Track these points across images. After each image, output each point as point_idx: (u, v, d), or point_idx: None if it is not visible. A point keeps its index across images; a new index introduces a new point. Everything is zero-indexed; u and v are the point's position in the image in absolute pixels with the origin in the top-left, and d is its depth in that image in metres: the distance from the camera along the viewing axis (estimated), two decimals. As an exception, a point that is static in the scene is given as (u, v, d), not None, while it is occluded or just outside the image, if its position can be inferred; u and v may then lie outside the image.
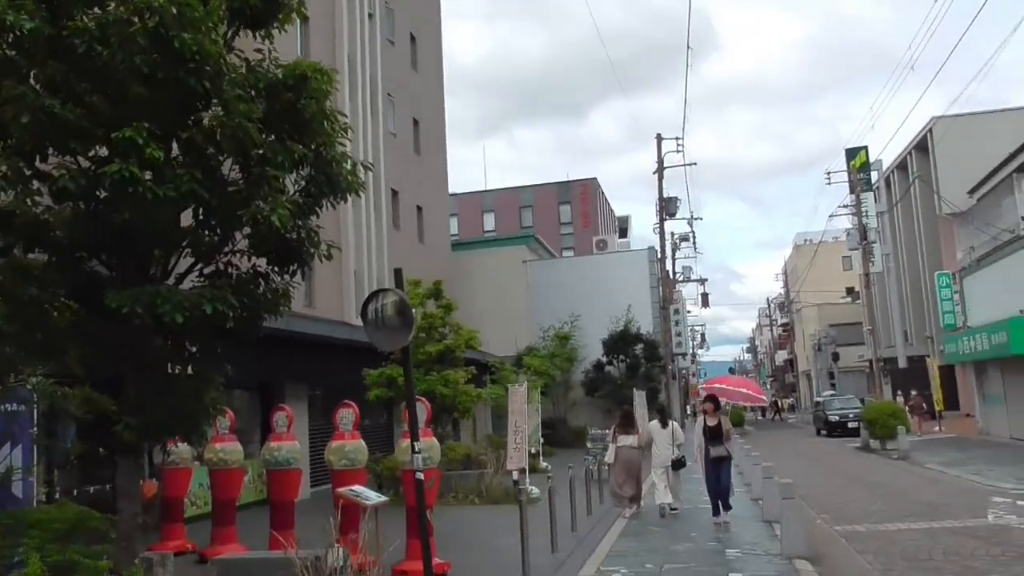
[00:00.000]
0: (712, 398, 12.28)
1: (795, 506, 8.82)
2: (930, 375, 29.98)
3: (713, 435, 11.21)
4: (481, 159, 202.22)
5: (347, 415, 9.10)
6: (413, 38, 29.20)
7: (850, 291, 67.24)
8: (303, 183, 6.96)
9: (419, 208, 27.71)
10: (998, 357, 22.36)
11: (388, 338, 5.80)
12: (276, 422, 9.66)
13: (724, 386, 10.32)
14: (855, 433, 29.53)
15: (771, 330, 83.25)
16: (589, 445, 18.31)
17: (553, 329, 31.25)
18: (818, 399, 37.63)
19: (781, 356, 79.99)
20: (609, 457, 12.67)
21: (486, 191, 62.24)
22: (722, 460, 11.09)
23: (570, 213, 61.00)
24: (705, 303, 38.79)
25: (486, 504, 14.56)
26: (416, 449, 5.73)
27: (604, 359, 31.11)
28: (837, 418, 31.50)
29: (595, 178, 63.12)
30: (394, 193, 25.46)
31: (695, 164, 65.18)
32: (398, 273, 5.95)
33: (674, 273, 40.63)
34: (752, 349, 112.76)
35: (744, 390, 9.83)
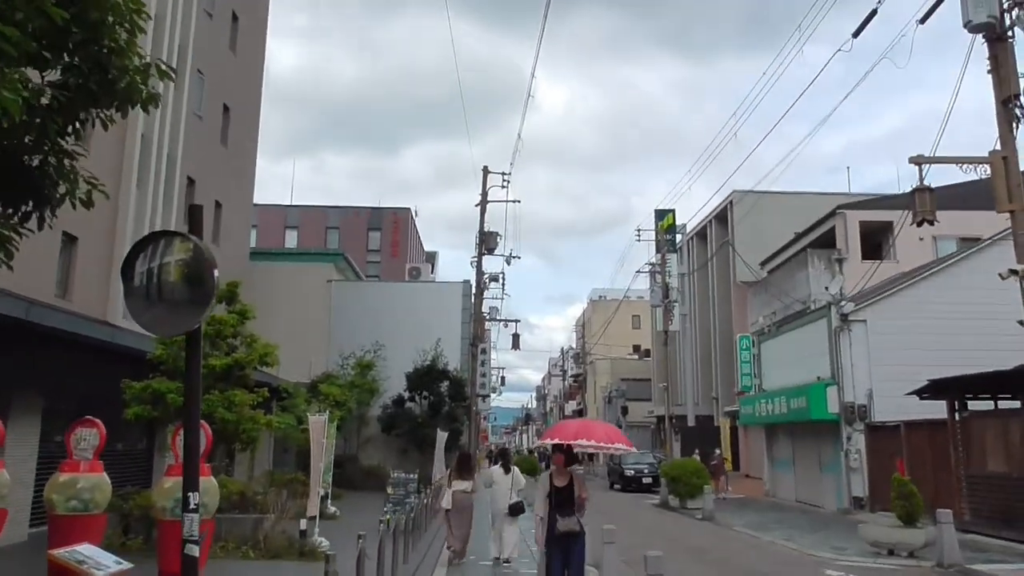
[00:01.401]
0: (563, 448, 8.15)
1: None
2: (720, 435, 30.81)
3: (562, 501, 7.81)
4: (284, 178, 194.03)
5: (86, 436, 6.44)
6: (235, 17, 26.03)
7: (636, 348, 70.32)
8: (60, 71, 4.49)
9: (218, 204, 24.32)
10: (796, 420, 23.02)
11: (167, 317, 3.51)
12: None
13: (594, 441, 7.11)
14: (648, 489, 29.55)
15: (563, 380, 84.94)
16: (390, 491, 16.07)
17: (354, 357, 28.65)
18: (613, 454, 37.75)
19: (571, 406, 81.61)
20: (446, 503, 12.22)
21: (291, 206, 58.46)
22: (573, 537, 7.73)
23: (379, 241, 58.63)
24: (516, 344, 37.92)
25: (263, 559, 11.84)
26: (191, 503, 3.42)
27: (406, 394, 28.94)
28: (632, 472, 31.45)
29: (409, 208, 61.34)
30: (190, 182, 22.03)
31: (519, 201, 64.76)
32: (195, 210, 3.69)
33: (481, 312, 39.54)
34: (541, 397, 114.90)
35: (617, 445, 7.02)
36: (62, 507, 6.10)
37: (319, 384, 24.43)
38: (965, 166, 12.86)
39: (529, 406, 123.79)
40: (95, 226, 16.58)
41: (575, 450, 8.26)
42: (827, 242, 27.94)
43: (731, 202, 38.24)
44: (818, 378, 21.78)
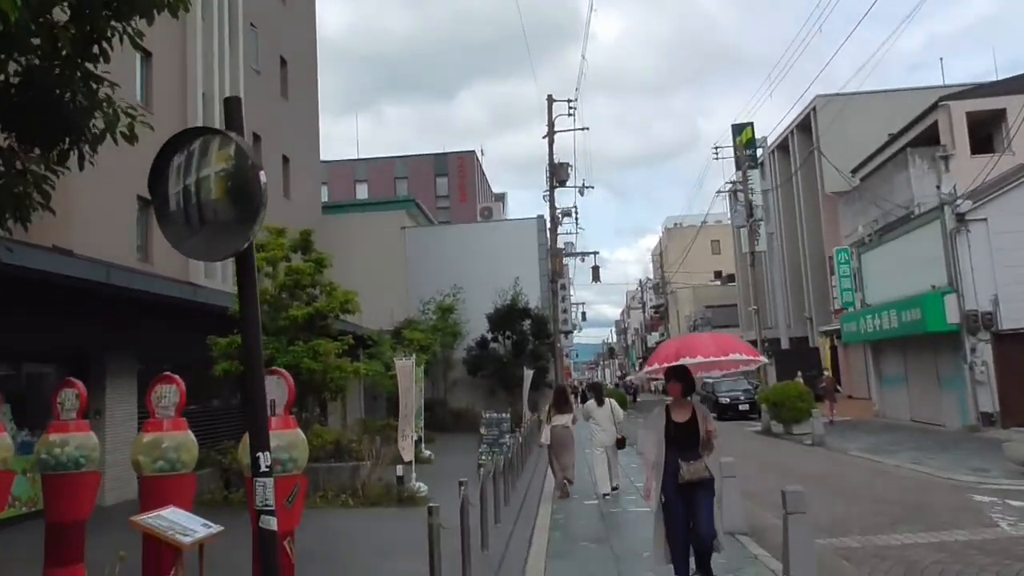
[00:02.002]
0: (679, 373, 6.40)
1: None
2: (820, 356, 29.39)
3: (683, 440, 6.16)
4: (345, 136, 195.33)
5: (166, 394, 6.00)
6: (281, -37, 25.28)
7: (718, 275, 68.37)
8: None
9: (285, 158, 24.01)
10: (909, 334, 21.49)
11: (212, 241, 2.84)
12: (61, 403, 6.39)
13: (700, 357, 5.64)
14: (746, 416, 28.58)
15: (643, 312, 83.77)
16: (483, 431, 15.66)
17: (434, 302, 28.36)
18: (707, 380, 36.79)
19: (653, 338, 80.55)
20: (545, 438, 12.30)
21: (358, 160, 58.40)
22: (701, 486, 6.07)
23: (447, 186, 58.14)
24: (596, 276, 37.05)
25: (362, 507, 11.64)
26: (262, 465, 2.75)
27: (489, 335, 28.57)
28: (728, 400, 30.51)
29: (473, 151, 60.40)
30: (256, 138, 21.71)
31: (587, 129, 60.02)
32: (232, 103, 3.00)
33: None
34: (621, 331, 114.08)
35: (738, 355, 5.72)
36: (149, 468, 5.72)
37: (402, 330, 24.23)
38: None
39: (609, 341, 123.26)
40: (166, 187, 16.40)
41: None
42: (929, 139, 25.73)
43: (814, 108, 35.83)
44: (933, 287, 20.16)
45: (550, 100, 31.33)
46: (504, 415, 15.94)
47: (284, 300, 12.86)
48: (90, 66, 4.19)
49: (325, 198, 44.02)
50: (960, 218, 19.37)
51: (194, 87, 17.73)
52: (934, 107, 25.11)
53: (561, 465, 12.11)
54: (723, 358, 6.54)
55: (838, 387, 27.65)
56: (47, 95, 3.91)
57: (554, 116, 30.97)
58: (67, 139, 4.33)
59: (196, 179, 2.85)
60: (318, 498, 11.92)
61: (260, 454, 2.66)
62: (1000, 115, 24.74)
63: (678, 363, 6.37)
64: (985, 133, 25.91)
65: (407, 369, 12.77)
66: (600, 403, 12.05)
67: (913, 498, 10.82)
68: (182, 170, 2.87)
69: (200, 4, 18.12)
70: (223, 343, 12.08)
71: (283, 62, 24.63)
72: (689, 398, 6.45)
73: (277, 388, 5.60)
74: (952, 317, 19.62)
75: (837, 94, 33.02)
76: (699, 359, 6.38)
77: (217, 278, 17.80)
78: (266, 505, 2.68)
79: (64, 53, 3.76)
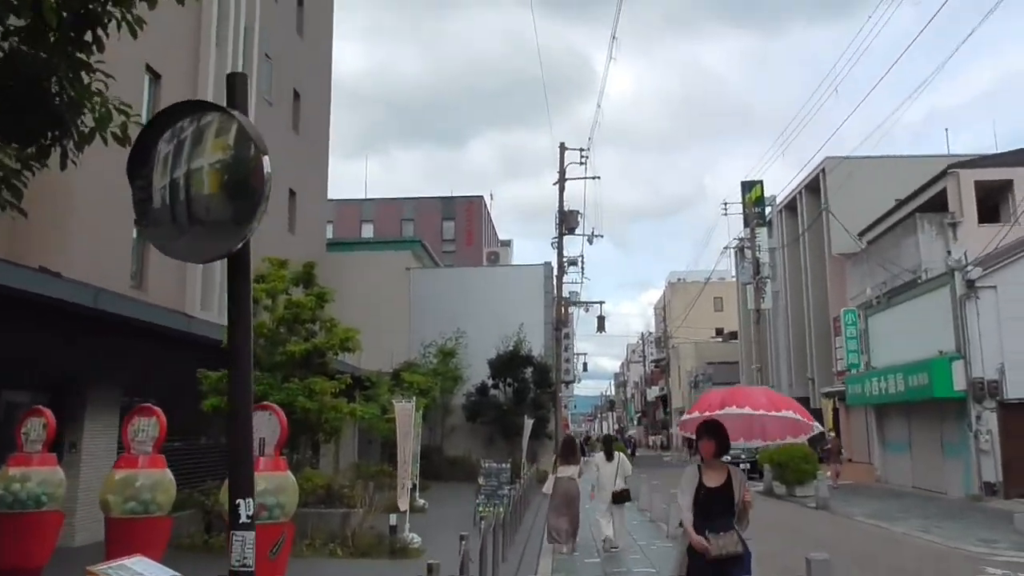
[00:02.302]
0: (714, 429, 5.52)
1: None
2: (822, 417, 28.75)
3: (714, 507, 5.30)
4: (354, 177, 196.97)
5: (144, 427, 5.55)
6: (300, 1, 25.46)
7: (719, 332, 67.96)
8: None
9: (292, 192, 23.81)
10: (914, 399, 21.02)
11: (201, 242, 2.45)
12: (25, 434, 5.90)
13: (748, 408, 5.54)
14: (747, 475, 27.81)
15: (643, 365, 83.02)
16: (481, 481, 15.06)
17: (435, 345, 27.87)
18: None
19: (653, 392, 79.71)
20: (547, 488, 11.88)
21: (365, 200, 58.48)
22: (732, 562, 5.18)
23: (454, 230, 58.09)
24: (601, 326, 36.50)
25: (352, 557, 11.03)
26: (242, 514, 2.29)
27: (490, 381, 28.02)
28: (728, 458, 29.66)
29: (481, 196, 60.53)
30: (263, 170, 21.49)
31: (598, 178, 58.38)
32: (235, 79, 2.64)
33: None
34: (620, 384, 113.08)
35: (788, 413, 5.46)
36: (119, 509, 5.21)
37: (401, 372, 23.70)
38: None
39: (608, 393, 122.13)
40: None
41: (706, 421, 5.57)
42: (937, 206, 25.59)
43: (823, 170, 35.79)
44: (940, 352, 19.77)
45: (562, 148, 31.32)
46: (504, 465, 15.37)
47: (282, 335, 12.44)
48: (82, 56, 3.84)
49: (330, 236, 43.95)
50: (970, 284, 19.08)
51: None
52: (943, 174, 25.04)
53: (562, 523, 11.52)
54: (774, 413, 5.59)
55: (842, 449, 26.98)
56: (31, 83, 3.55)
57: (566, 164, 30.91)
58: (50, 134, 3.97)
59: (187, 171, 2.47)
60: (305, 546, 11.31)
61: (241, 500, 2.20)
62: (1007, 186, 24.70)
63: (721, 413, 5.57)
64: (992, 203, 25.82)
65: (406, 412, 12.30)
66: (610, 457, 11.73)
67: (928, 568, 10.26)
68: (170, 161, 2.49)
69: (214, 30, 18.06)
70: (214, 377, 11.61)
71: (296, 95, 24.61)
72: (720, 456, 5.55)
73: (268, 425, 5.17)
74: (959, 384, 19.21)
75: (847, 157, 33.02)
76: (747, 410, 5.56)
77: (214, 311, 17.37)
78: (244, 566, 2.20)
79: (52, 38, 3.40)
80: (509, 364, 27.75)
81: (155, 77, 15.78)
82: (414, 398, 13.78)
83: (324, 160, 27.87)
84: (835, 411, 32.54)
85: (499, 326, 28.32)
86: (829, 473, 22.30)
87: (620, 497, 11.47)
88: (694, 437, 5.63)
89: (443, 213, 58.06)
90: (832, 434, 26.81)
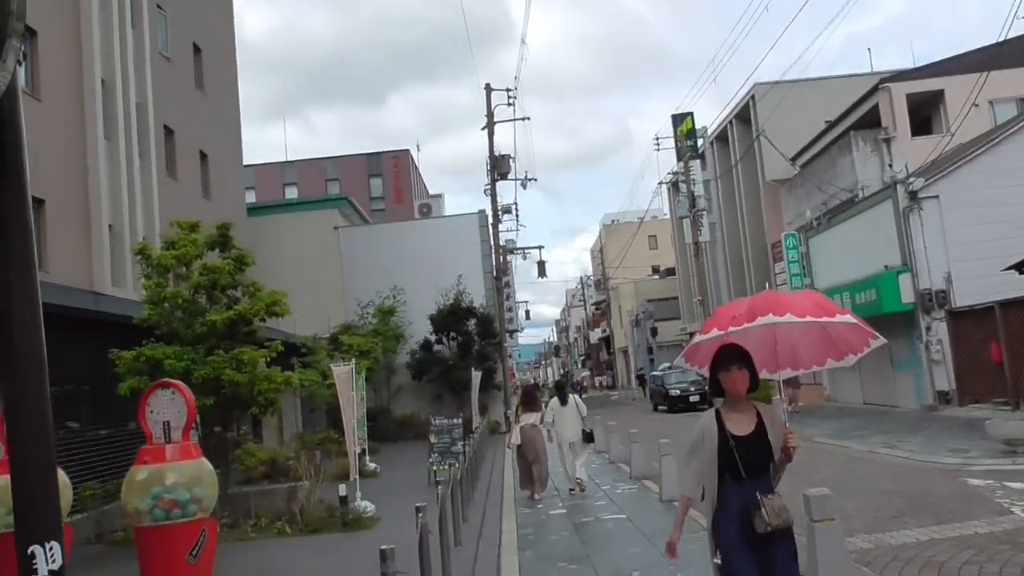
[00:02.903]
0: (742, 354, 3.83)
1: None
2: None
3: (750, 460, 3.76)
4: (272, 144, 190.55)
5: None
6: (192, -55, 23.42)
7: (656, 269, 68.38)
8: None
9: (203, 154, 22.17)
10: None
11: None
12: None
13: (790, 316, 3.94)
14: (695, 408, 27.81)
15: (584, 308, 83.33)
16: (433, 439, 14.35)
17: (373, 304, 26.83)
18: (655, 373, 36.09)
19: (595, 335, 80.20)
20: (515, 439, 12.03)
21: (286, 162, 56.20)
22: (781, 542, 3.72)
23: (382, 187, 56.42)
24: (542, 272, 35.84)
25: (302, 534, 10.23)
26: (41, 568, 1.42)
27: (433, 337, 27.20)
28: (678, 392, 29.78)
29: (407, 150, 58.80)
30: (168, 131, 19.87)
31: (528, 119, 53.79)
32: None
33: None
34: (563, 330, 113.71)
35: (847, 318, 4.00)
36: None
37: (340, 336, 22.65)
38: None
39: (551, 340, 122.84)
40: (63, 185, 14.57)
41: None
42: (869, 123, 25.49)
43: (753, 97, 35.51)
44: (886, 267, 19.71)
45: (488, 89, 30.14)
46: (456, 421, 14.69)
47: (201, 304, 11.32)
48: None
49: (253, 201, 41.91)
50: (913, 196, 18.96)
51: (91, 72, 15.89)
52: (875, 89, 24.87)
53: (534, 469, 11.72)
54: (827, 319, 3.98)
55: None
56: None
57: (493, 107, 29.79)
58: None
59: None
60: (250, 527, 10.48)
61: (38, 547, 1.31)
62: (938, 96, 24.68)
63: (754, 325, 3.93)
64: (924, 115, 25.85)
65: (345, 376, 11.45)
66: (564, 401, 11.95)
67: (907, 487, 9.98)
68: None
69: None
70: (128, 356, 10.48)
71: (197, 49, 22.79)
72: (753, 390, 3.89)
73: (172, 405, 4.25)
74: (907, 296, 19.23)
75: (776, 82, 32.71)
76: (788, 318, 3.93)
77: (128, 286, 16.01)
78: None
79: None
80: (451, 318, 26.96)
81: (31, 33, 14.08)
82: (354, 360, 12.91)
83: (236, 121, 26.13)
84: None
85: (437, 280, 27.42)
86: (787, 399, 22.30)
87: (590, 437, 11.93)
88: (707, 372, 4.02)
89: (369, 170, 56.29)
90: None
